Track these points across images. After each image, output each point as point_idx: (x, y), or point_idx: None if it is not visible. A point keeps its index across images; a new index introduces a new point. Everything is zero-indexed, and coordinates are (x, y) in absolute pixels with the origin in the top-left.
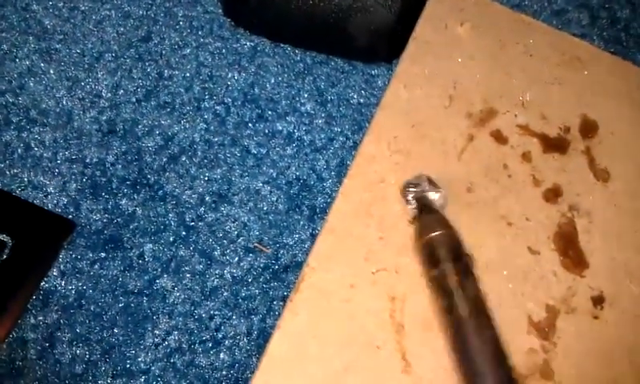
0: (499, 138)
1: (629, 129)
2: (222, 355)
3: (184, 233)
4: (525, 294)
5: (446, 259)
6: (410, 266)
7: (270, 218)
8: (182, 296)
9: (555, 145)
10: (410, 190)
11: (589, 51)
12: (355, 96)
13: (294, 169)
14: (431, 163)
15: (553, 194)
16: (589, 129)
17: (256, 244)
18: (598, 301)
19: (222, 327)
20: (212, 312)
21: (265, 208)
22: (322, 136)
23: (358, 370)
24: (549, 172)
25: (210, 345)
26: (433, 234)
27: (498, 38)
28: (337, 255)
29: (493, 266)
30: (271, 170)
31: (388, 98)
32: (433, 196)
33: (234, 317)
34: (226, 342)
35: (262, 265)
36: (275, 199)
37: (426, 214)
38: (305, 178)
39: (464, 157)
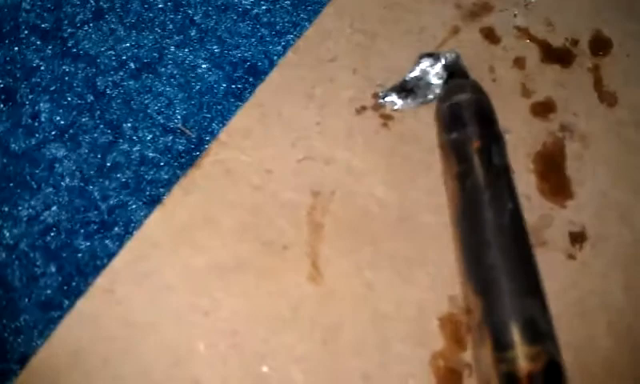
0: (490, 36)
1: None
2: (107, 242)
3: (92, 98)
4: None
5: (471, 122)
6: (347, 161)
7: (203, 99)
8: (74, 168)
9: (557, 56)
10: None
11: None
12: None
13: (243, 49)
14: (400, 51)
15: (543, 109)
16: (601, 45)
17: (180, 126)
18: (578, 238)
19: (116, 211)
20: (107, 192)
21: (198, 87)
22: (286, 20)
23: (252, 269)
24: (544, 84)
25: (96, 228)
26: (463, 96)
27: None
28: (257, 134)
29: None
30: (215, 47)
31: None
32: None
33: (132, 201)
34: (116, 228)
35: (180, 148)
36: (213, 79)
37: (455, 78)
38: (254, 61)
39: (443, 50)
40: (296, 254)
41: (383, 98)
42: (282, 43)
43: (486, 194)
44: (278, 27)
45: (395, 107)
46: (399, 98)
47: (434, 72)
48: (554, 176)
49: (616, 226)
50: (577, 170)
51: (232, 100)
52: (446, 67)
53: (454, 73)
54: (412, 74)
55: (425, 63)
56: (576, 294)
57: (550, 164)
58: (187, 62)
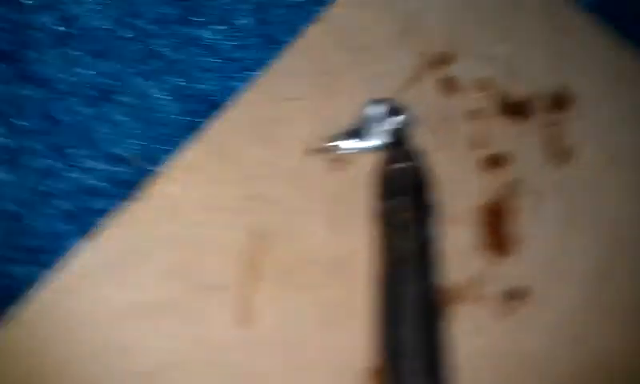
0: (450, 86)
1: (608, 114)
2: (38, 270)
3: (44, 123)
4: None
5: (405, 192)
6: (292, 204)
7: (159, 131)
8: (12, 192)
9: (515, 109)
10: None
11: (583, 23)
12: (305, 25)
13: (206, 84)
14: (358, 95)
15: (495, 162)
16: (560, 102)
17: (131, 156)
18: (517, 295)
19: (51, 238)
20: (44, 219)
21: (155, 118)
22: (252, 57)
23: (179, 310)
24: (498, 137)
25: (28, 255)
26: (401, 166)
27: None
28: (204, 169)
29: None
30: (178, 79)
31: (332, 12)
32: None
33: (69, 230)
34: (49, 256)
35: (127, 178)
36: (172, 112)
37: (397, 145)
38: (216, 96)
39: (402, 97)
40: (228, 296)
41: (336, 141)
42: (246, 80)
43: (408, 267)
44: (243, 64)
45: (346, 151)
46: (351, 141)
47: (386, 120)
48: (499, 230)
49: (555, 287)
50: (521, 226)
51: (189, 133)
52: (395, 122)
53: (398, 138)
54: (365, 120)
55: (377, 109)
56: (509, 353)
57: (497, 218)
58: (148, 92)
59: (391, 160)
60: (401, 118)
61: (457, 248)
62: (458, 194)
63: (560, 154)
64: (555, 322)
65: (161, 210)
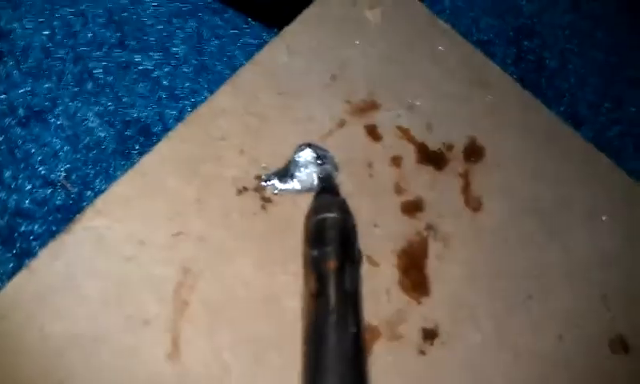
0: (373, 132)
1: (518, 168)
2: None
3: None
4: None
5: (332, 242)
6: (221, 241)
7: (90, 154)
8: None
9: (432, 158)
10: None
11: (501, 79)
12: (240, 57)
13: (138, 109)
14: (287, 137)
15: (413, 207)
16: (474, 153)
17: (62, 180)
18: (430, 335)
19: None
20: None
21: (86, 141)
22: (186, 85)
23: (111, 342)
24: (416, 183)
25: None
26: (329, 215)
27: (406, 33)
28: (136, 203)
29: None
30: (110, 103)
31: (263, 55)
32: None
33: (1, 253)
34: None
35: (58, 202)
36: (103, 135)
37: (326, 194)
38: (147, 122)
39: (328, 142)
40: (157, 330)
41: (265, 181)
42: (179, 107)
43: (333, 317)
44: (176, 91)
45: (275, 191)
46: (280, 182)
47: (313, 163)
48: (415, 272)
49: (466, 326)
50: (435, 268)
51: (119, 159)
52: (323, 169)
53: (327, 186)
54: (293, 162)
55: (307, 153)
56: None
57: (413, 261)
58: (79, 114)
59: (320, 209)
60: (328, 164)
61: (376, 289)
62: (377, 237)
63: (471, 202)
64: (464, 361)
65: (91, 242)
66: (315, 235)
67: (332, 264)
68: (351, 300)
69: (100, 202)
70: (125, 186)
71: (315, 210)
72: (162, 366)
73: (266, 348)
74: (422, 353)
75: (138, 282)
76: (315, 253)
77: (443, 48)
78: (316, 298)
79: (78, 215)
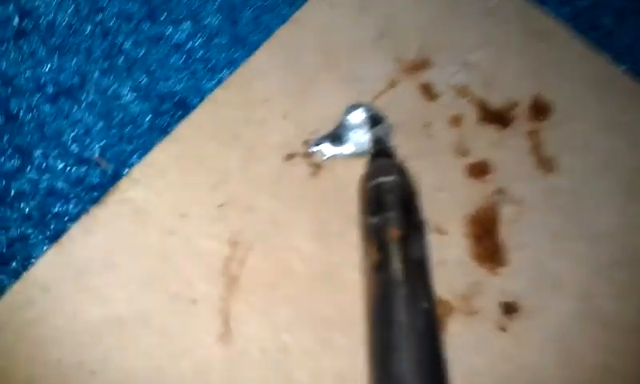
0: (428, 92)
1: (588, 123)
2: (1, 277)
3: (2, 120)
4: None
5: (393, 208)
6: (271, 211)
7: (124, 130)
8: None
9: (496, 117)
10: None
11: (559, 31)
12: (277, 27)
13: (173, 82)
14: (334, 99)
15: (479, 170)
16: (541, 110)
17: (96, 157)
18: (510, 309)
19: (16, 244)
20: (7, 223)
21: (120, 117)
22: (221, 56)
23: (155, 324)
24: (480, 144)
25: None
26: (387, 179)
27: None
28: (175, 173)
29: None
30: (143, 77)
31: (304, 13)
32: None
33: (33, 235)
34: (14, 263)
35: (93, 181)
36: (137, 110)
37: (381, 156)
38: (184, 96)
39: (379, 103)
40: (206, 309)
41: (314, 147)
42: (215, 80)
43: (401, 291)
44: (211, 63)
45: (326, 157)
46: (330, 147)
47: (366, 125)
48: (488, 240)
49: (550, 297)
50: (511, 236)
51: (156, 134)
52: (376, 131)
53: (381, 148)
54: (344, 124)
55: (358, 114)
56: (506, 369)
57: (484, 228)
58: (111, 90)
59: (376, 173)
60: (382, 125)
61: (446, 260)
62: (443, 203)
63: (543, 163)
64: (549, 335)
65: (130, 215)
66: (373, 201)
67: (395, 232)
68: (420, 271)
69: (136, 171)
70: (162, 155)
71: (371, 174)
72: (213, 350)
73: (329, 327)
74: (503, 329)
75: (182, 258)
76: (375, 220)
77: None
78: (379, 271)
79: (114, 186)
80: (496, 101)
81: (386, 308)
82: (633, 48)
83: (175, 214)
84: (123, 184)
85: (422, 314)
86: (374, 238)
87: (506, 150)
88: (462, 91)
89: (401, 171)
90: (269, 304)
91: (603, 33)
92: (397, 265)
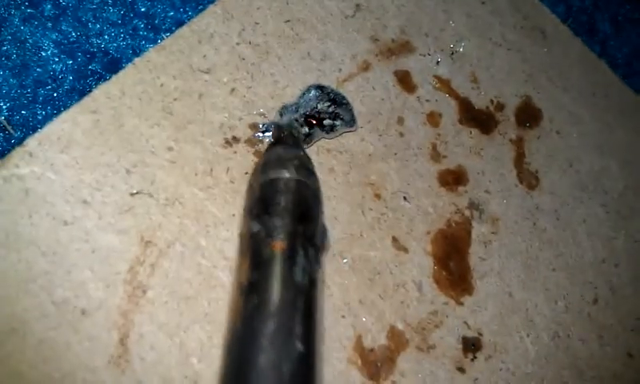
0: (405, 81)
1: (578, 136)
2: None
3: None
4: (364, 303)
5: (282, 213)
6: (199, 205)
7: (40, 90)
8: None
9: (478, 119)
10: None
11: (558, 29)
12: None
13: (106, 39)
14: (294, 77)
15: (453, 179)
16: (529, 115)
17: (3, 120)
18: (472, 346)
19: None
20: None
21: (36, 74)
22: (169, 14)
23: (30, 338)
24: (458, 149)
25: None
26: (282, 175)
27: None
28: (82, 147)
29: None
30: (71, 30)
31: None
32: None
33: None
34: None
35: None
36: (59, 68)
37: (282, 146)
38: (117, 56)
39: (347, 87)
40: (99, 323)
41: (263, 132)
42: (158, 40)
43: (271, 324)
44: (156, 21)
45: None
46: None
47: (327, 110)
48: (455, 263)
49: (518, 335)
50: (481, 259)
51: (76, 98)
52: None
53: (284, 136)
54: (300, 108)
55: (317, 98)
56: None
57: (452, 248)
58: (31, 41)
59: (269, 165)
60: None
61: (403, 283)
62: (406, 214)
63: (525, 177)
64: (513, 380)
65: (17, 197)
66: (258, 202)
67: (278, 245)
68: (302, 300)
69: (33, 141)
70: (67, 124)
71: (263, 166)
72: (101, 376)
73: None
74: (461, 370)
75: (75, 256)
76: (256, 228)
77: None
78: (247, 294)
79: (12, 158)
80: (480, 100)
81: (245, 347)
82: (630, 56)
83: (74, 200)
84: (14, 157)
85: (294, 360)
86: (250, 251)
87: (485, 159)
88: (444, 85)
89: (302, 166)
90: (179, 321)
91: (600, 38)
92: (271, 289)
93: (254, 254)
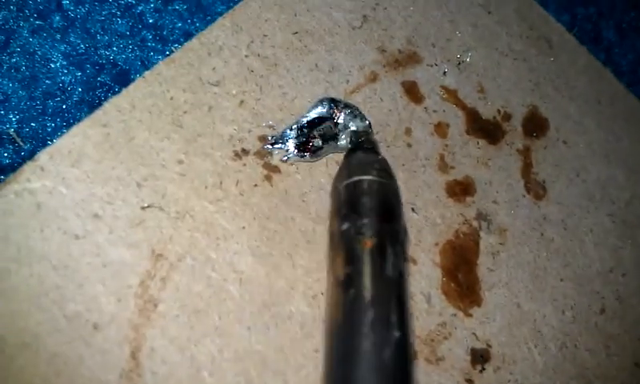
0: (413, 91)
1: (585, 146)
2: None
3: None
4: None
5: (369, 213)
6: (209, 218)
7: (49, 102)
8: None
9: (485, 129)
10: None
11: (564, 38)
12: None
13: (115, 50)
14: (303, 89)
15: (461, 190)
16: (536, 125)
17: (12, 131)
18: (480, 357)
19: None
20: None
21: (45, 86)
22: (177, 26)
23: (43, 352)
24: (465, 159)
25: None
26: (366, 178)
27: None
28: (93, 161)
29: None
30: (80, 42)
31: None
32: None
33: None
34: None
35: (3, 162)
36: (68, 80)
37: (362, 151)
38: (126, 67)
39: (355, 98)
40: (111, 337)
41: (272, 145)
42: (166, 52)
43: (368, 315)
44: (164, 32)
45: (285, 158)
46: (292, 146)
47: (338, 123)
48: (463, 274)
49: (526, 346)
50: (489, 270)
51: (85, 110)
52: (356, 122)
53: (362, 142)
54: (309, 120)
55: (326, 109)
56: None
57: (460, 259)
58: (40, 53)
59: (352, 170)
60: (359, 123)
61: (412, 295)
62: (415, 226)
63: (533, 187)
64: None
65: (29, 211)
66: (346, 204)
67: (368, 242)
68: (395, 292)
69: (44, 155)
70: (78, 138)
71: (347, 170)
72: None
73: (263, 370)
74: (470, 382)
75: (87, 270)
76: (345, 226)
77: None
78: (345, 287)
79: (12, 174)
80: (487, 110)
81: (347, 335)
82: (635, 63)
83: (86, 214)
84: (26, 171)
85: (393, 345)
86: (343, 247)
87: (492, 169)
88: (451, 95)
89: (383, 170)
90: (190, 335)
91: (605, 46)
92: (366, 282)
93: (347, 249)
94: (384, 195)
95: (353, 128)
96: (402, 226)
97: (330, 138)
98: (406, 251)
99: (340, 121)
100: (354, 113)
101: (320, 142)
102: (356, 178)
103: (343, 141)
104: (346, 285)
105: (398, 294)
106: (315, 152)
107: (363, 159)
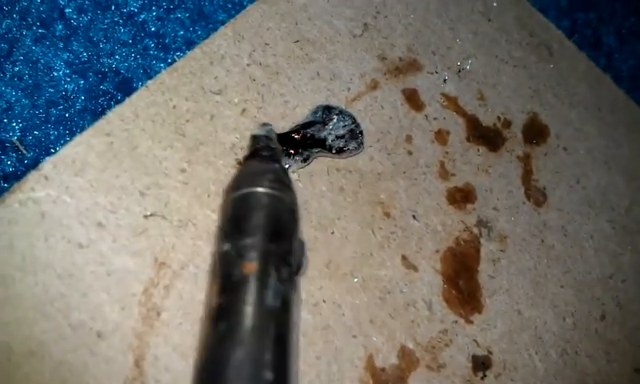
0: (413, 99)
1: (586, 153)
2: None
3: None
4: (375, 323)
5: (255, 232)
6: (212, 226)
7: (52, 110)
8: None
9: (486, 136)
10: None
11: (564, 45)
12: (247, 4)
13: (117, 58)
14: (304, 97)
15: (461, 197)
16: (536, 132)
17: (15, 139)
18: (481, 364)
19: None
20: None
21: (48, 94)
22: (178, 34)
23: (48, 360)
24: (466, 167)
25: None
26: (255, 190)
27: None
28: (96, 170)
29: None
30: (82, 50)
31: None
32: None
33: None
34: None
35: (6, 170)
36: (70, 88)
37: (257, 158)
38: (128, 75)
39: (355, 106)
40: (115, 345)
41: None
42: (168, 60)
43: (239, 352)
44: (166, 40)
45: (287, 165)
46: (293, 154)
47: (335, 131)
48: (464, 281)
49: (527, 352)
50: (490, 277)
51: (89, 118)
52: (270, 129)
53: (260, 149)
54: (309, 128)
55: (327, 117)
56: None
57: (461, 266)
58: (43, 61)
59: (242, 180)
60: (260, 128)
61: (414, 302)
62: (416, 233)
63: (532, 195)
64: None
65: (32, 221)
66: (231, 221)
67: (248, 265)
68: (274, 326)
69: (48, 165)
70: (82, 147)
71: (235, 181)
72: None
73: None
74: None
75: (90, 278)
76: (226, 247)
77: (497, 4)
78: (216, 321)
79: (16, 183)
80: (487, 117)
81: (211, 377)
82: (635, 69)
83: (90, 223)
84: (30, 180)
85: None
86: (220, 273)
87: (492, 176)
88: (451, 102)
89: (277, 180)
90: (194, 343)
91: (605, 52)
92: (240, 314)
93: (224, 276)
94: (275, 210)
95: (260, 131)
96: (296, 245)
97: (328, 145)
98: (298, 274)
99: (337, 129)
100: (351, 129)
101: (319, 150)
102: (245, 191)
103: (253, 138)
104: (217, 317)
105: (278, 328)
106: (313, 158)
107: (255, 168)
